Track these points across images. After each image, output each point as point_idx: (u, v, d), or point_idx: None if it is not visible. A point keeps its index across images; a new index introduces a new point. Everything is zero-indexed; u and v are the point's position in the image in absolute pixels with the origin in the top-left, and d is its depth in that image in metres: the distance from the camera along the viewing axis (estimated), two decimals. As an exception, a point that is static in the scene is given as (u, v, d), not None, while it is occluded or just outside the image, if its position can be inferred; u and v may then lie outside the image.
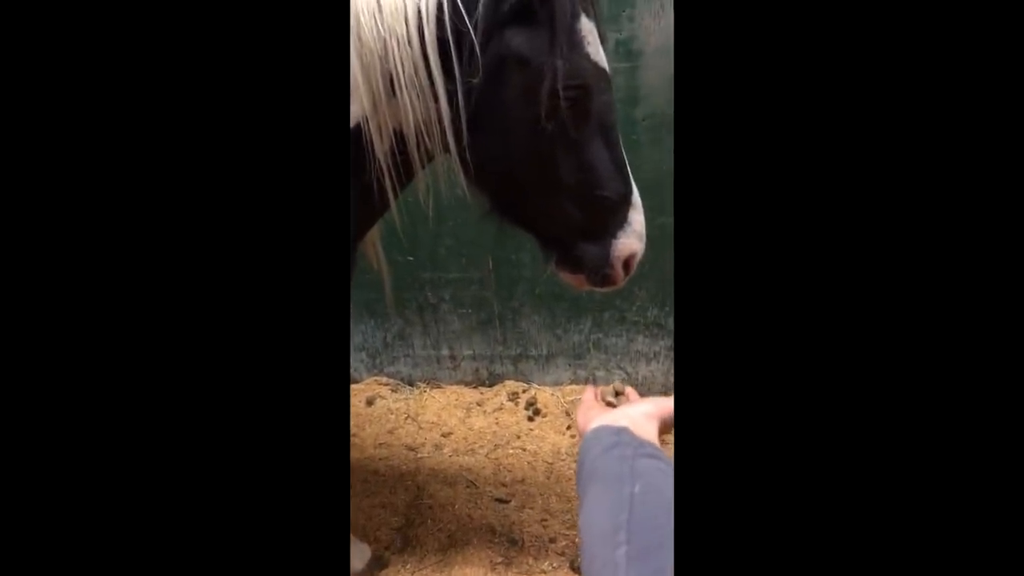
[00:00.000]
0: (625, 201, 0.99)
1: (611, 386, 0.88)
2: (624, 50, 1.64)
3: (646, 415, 0.69)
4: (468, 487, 1.88)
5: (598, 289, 1.05)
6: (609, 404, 0.82)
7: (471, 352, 2.26)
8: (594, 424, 0.70)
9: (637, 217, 1.00)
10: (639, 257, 1.03)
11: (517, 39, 0.87)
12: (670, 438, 0.77)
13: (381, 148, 0.95)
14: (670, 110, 1.70)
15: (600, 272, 1.01)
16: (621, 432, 0.65)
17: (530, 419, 2.13)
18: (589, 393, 0.85)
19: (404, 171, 1.00)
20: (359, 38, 0.88)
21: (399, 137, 0.96)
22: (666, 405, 0.71)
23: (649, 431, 0.67)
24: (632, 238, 1.00)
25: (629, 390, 0.88)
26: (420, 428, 2.16)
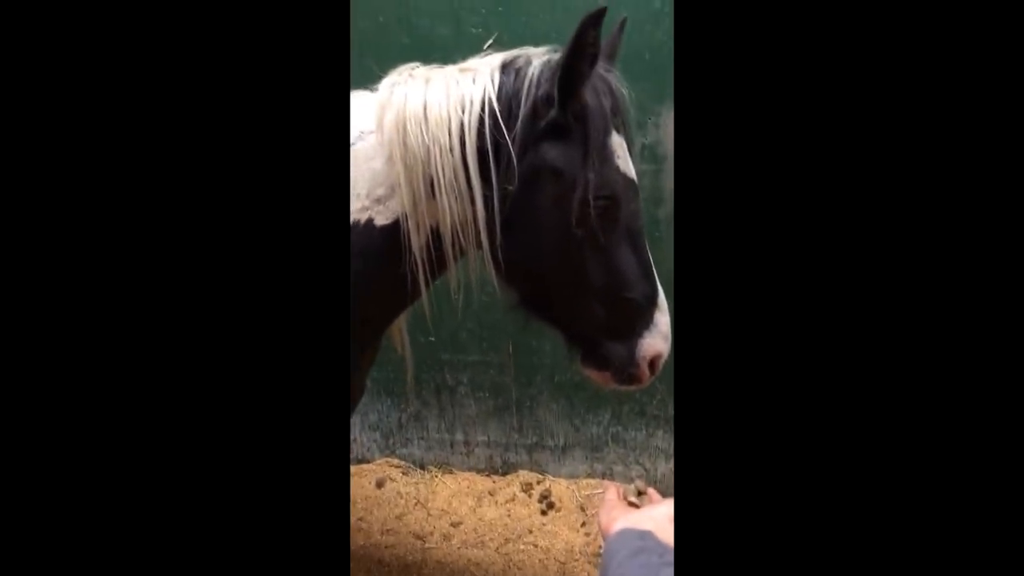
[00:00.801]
0: (651, 303, 1.02)
1: (633, 485, 0.88)
2: (650, 154, 1.72)
3: (669, 518, 0.70)
4: (476, 584, 1.79)
5: (624, 388, 1.06)
6: (632, 504, 0.82)
7: (486, 438, 2.22)
8: (618, 526, 0.70)
9: (663, 319, 1.02)
10: (665, 357, 1.04)
11: (552, 152, 0.93)
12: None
13: (417, 243, 0.99)
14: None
15: (626, 371, 1.03)
16: (646, 537, 0.66)
17: (543, 512, 2.05)
18: (612, 492, 0.85)
19: (438, 265, 1.04)
20: (404, 144, 0.95)
21: (435, 234, 1.01)
22: None
23: (672, 534, 0.67)
24: (658, 339, 1.02)
25: (652, 491, 0.87)
26: (429, 515, 2.09)
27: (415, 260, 1.00)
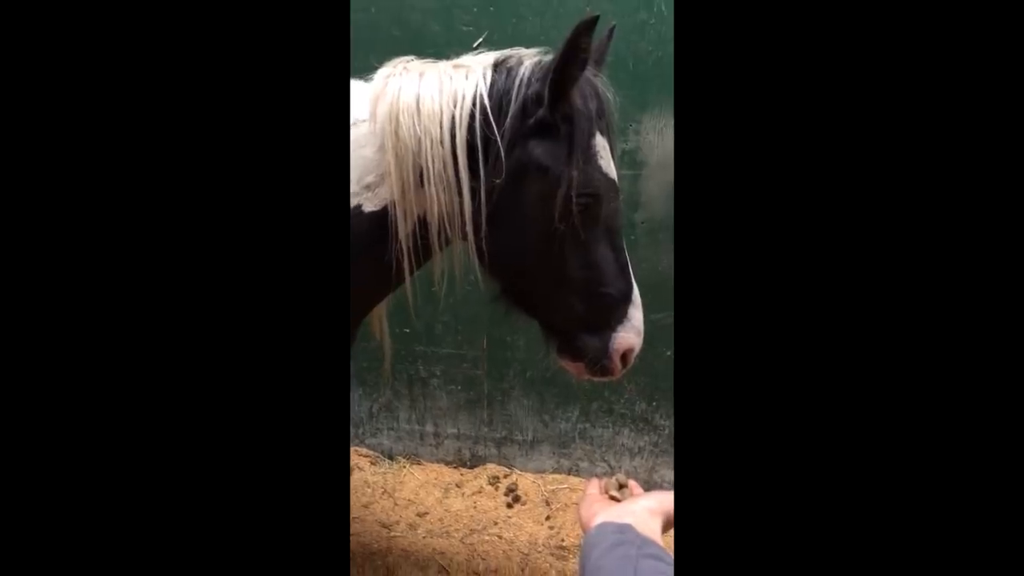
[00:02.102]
0: (626, 299, 1.06)
1: (615, 478, 0.87)
2: (629, 159, 1.78)
3: (650, 511, 0.70)
4: (440, 573, 1.82)
5: (596, 379, 1.10)
6: (613, 498, 0.82)
7: (455, 431, 2.25)
8: (598, 519, 0.70)
9: (636, 314, 1.07)
10: (637, 351, 1.09)
11: (539, 149, 0.97)
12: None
13: (404, 230, 1.02)
14: (667, 216, 1.81)
15: (599, 363, 1.07)
16: (625, 530, 0.66)
17: (509, 506, 2.09)
18: (593, 486, 0.86)
19: (423, 252, 1.07)
20: (396, 134, 0.97)
21: (422, 223, 1.03)
22: (669, 501, 0.72)
23: (652, 528, 0.68)
24: (631, 333, 1.06)
25: (633, 483, 0.88)
26: (396, 505, 2.11)
27: (401, 247, 1.03)
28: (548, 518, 2.03)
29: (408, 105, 0.97)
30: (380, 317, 1.31)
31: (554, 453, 2.20)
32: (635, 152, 1.77)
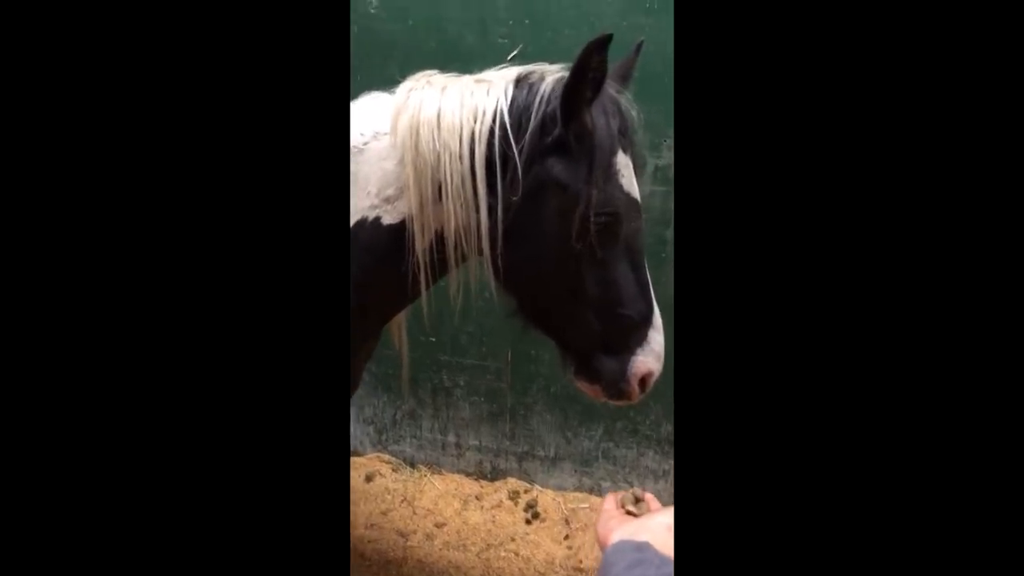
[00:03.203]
0: (646, 321, 1.03)
1: (631, 492, 0.86)
2: (662, 175, 1.74)
3: (668, 527, 0.70)
4: (454, 587, 1.80)
5: (613, 402, 1.07)
6: (630, 513, 0.82)
7: (477, 443, 2.24)
8: (615, 537, 0.70)
9: (657, 337, 1.03)
10: (656, 376, 1.05)
11: (557, 167, 0.95)
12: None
13: (421, 244, 1.02)
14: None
15: (617, 386, 1.04)
16: (644, 548, 0.66)
17: (528, 522, 2.06)
18: (609, 502, 0.85)
19: (440, 267, 1.06)
20: (415, 148, 0.97)
21: (439, 238, 1.03)
22: None
23: (670, 545, 0.67)
24: (650, 357, 1.03)
25: (649, 497, 0.86)
26: (415, 513, 2.11)
27: (418, 261, 1.02)
28: (567, 537, 1.98)
29: (429, 119, 0.97)
30: (400, 325, 1.32)
31: (576, 471, 2.16)
32: (668, 168, 1.73)
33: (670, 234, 1.78)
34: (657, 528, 0.70)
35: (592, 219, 0.94)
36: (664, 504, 0.83)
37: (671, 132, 1.68)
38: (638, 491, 0.86)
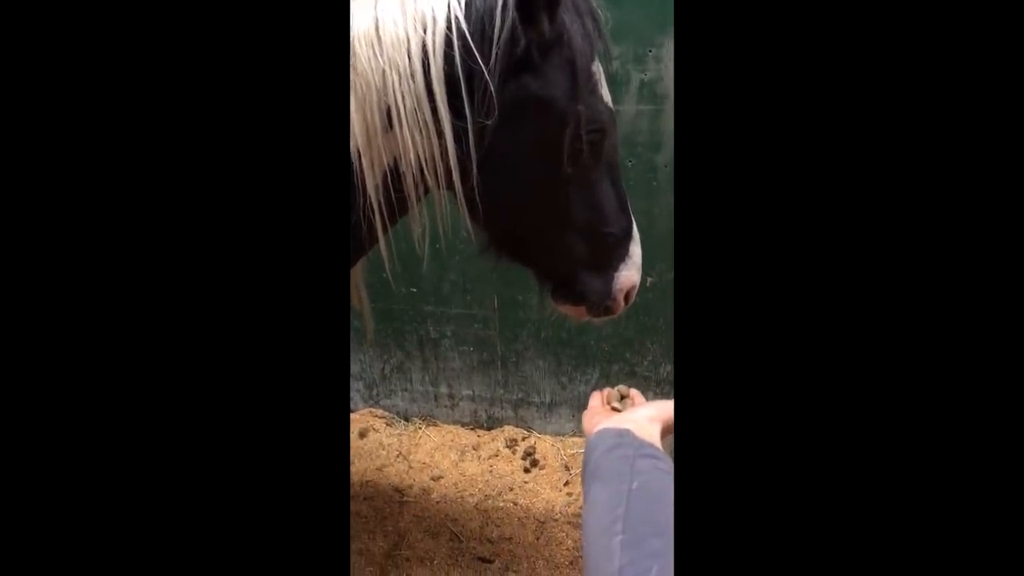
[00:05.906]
0: (627, 236, 1.00)
1: (616, 390, 0.88)
2: (649, 92, 1.57)
3: (649, 418, 0.72)
4: (451, 540, 1.76)
5: (596, 320, 1.05)
6: (615, 409, 0.84)
7: (470, 392, 2.16)
8: (599, 428, 0.72)
9: (636, 250, 1.02)
10: (638, 287, 1.04)
11: (536, 83, 0.82)
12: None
13: (372, 183, 0.88)
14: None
15: (602, 304, 1.02)
16: (624, 434, 0.68)
17: (526, 470, 2.01)
18: (596, 399, 0.88)
19: (397, 207, 0.93)
20: (354, 68, 0.81)
21: (393, 172, 0.89)
22: (668, 408, 0.73)
23: (651, 433, 0.69)
24: (632, 270, 1.01)
25: (634, 393, 0.88)
26: (411, 468, 2.05)
27: (371, 203, 0.89)
28: (567, 483, 1.94)
29: (365, 32, 0.81)
30: (357, 285, 1.18)
31: (574, 416, 2.09)
32: (655, 83, 1.55)
33: (661, 159, 1.63)
34: (639, 419, 0.72)
35: (583, 138, 0.84)
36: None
37: (659, 40, 1.49)
38: (623, 388, 0.88)
